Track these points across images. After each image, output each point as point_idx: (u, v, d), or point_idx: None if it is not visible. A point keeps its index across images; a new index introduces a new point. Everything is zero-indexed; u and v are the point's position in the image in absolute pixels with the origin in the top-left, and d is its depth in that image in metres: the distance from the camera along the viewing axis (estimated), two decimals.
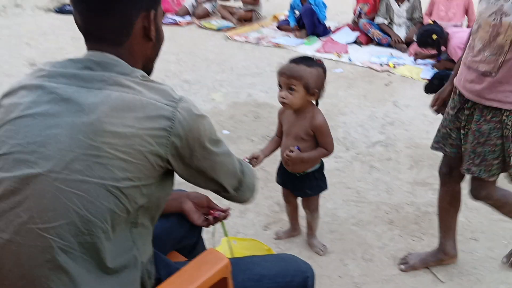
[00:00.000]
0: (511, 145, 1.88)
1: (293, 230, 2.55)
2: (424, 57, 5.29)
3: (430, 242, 2.52)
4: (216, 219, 1.60)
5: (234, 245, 2.04)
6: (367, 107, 4.24)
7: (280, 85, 2.07)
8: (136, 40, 1.14)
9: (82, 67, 1.08)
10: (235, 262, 1.28)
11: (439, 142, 2.11)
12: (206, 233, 1.82)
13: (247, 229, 2.62)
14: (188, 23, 7.22)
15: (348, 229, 2.61)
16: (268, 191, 2.96)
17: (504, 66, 1.78)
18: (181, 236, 1.61)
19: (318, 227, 2.50)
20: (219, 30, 6.82)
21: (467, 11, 5.65)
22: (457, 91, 2.00)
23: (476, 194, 2.03)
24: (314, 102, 2.16)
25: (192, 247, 1.69)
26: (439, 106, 2.21)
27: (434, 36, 4.70)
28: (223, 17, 7.26)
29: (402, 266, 2.30)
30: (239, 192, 1.32)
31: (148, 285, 1.19)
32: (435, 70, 4.94)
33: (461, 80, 1.96)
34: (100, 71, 1.08)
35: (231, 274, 1.21)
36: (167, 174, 1.14)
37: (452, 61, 4.91)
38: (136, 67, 1.14)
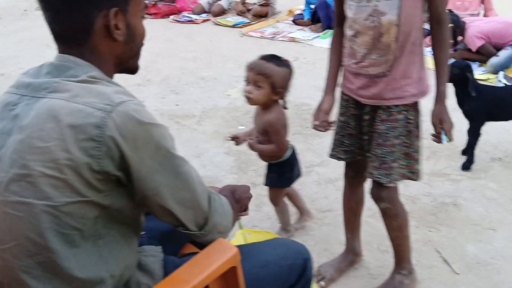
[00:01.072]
0: (415, 141, 1.84)
1: (302, 214, 2.58)
2: None
3: (447, 233, 2.50)
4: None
5: (248, 237, 2.06)
6: None
7: (247, 80, 2.11)
8: (98, 39, 1.09)
9: (46, 73, 1.06)
10: (240, 251, 1.30)
11: (333, 150, 2.05)
12: None
13: (263, 222, 2.63)
14: (204, 21, 7.24)
15: (363, 220, 2.57)
16: None
17: (396, 63, 1.74)
18: None
19: (334, 219, 2.50)
20: (234, 26, 6.83)
21: (483, 0, 5.55)
22: (346, 98, 1.95)
23: (377, 194, 1.91)
24: (280, 101, 2.18)
25: None
26: (324, 122, 1.99)
27: (450, 25, 4.64)
28: (239, 14, 7.26)
29: (322, 283, 2.18)
30: (204, 231, 1.17)
31: None
32: (453, 60, 4.87)
33: (350, 88, 1.90)
34: (55, 76, 1.04)
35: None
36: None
37: (470, 50, 4.85)
38: (106, 67, 1.11)
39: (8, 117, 1.04)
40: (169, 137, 1.07)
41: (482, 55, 4.76)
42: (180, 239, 1.58)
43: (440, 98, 1.81)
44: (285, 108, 2.20)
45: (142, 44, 1.21)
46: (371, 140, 1.89)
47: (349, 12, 1.77)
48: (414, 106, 1.83)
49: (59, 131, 0.96)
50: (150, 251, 1.30)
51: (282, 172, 2.30)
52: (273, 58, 2.10)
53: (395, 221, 1.99)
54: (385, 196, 1.90)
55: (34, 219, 0.99)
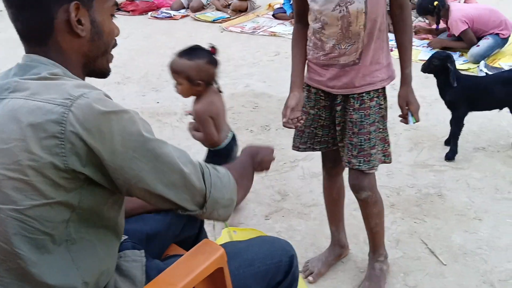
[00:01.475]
0: (386, 124, 1.91)
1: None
2: (424, 31, 5.22)
3: (432, 224, 2.50)
4: None
5: (234, 235, 2.03)
6: None
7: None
8: (61, 36, 1.04)
9: (12, 74, 1.04)
10: (225, 250, 1.27)
11: (306, 143, 2.02)
12: (208, 225, 1.81)
13: (248, 219, 2.61)
14: (183, 17, 7.17)
15: (349, 214, 2.58)
16: (269, 181, 2.95)
17: (365, 51, 1.77)
18: (180, 228, 1.59)
19: (319, 213, 2.49)
20: (214, 22, 6.77)
21: None
22: (315, 91, 1.93)
23: (358, 184, 1.93)
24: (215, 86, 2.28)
25: (195, 238, 1.67)
26: (293, 119, 1.87)
27: (436, 3, 4.65)
28: (218, 9, 7.20)
29: (311, 278, 2.16)
30: (206, 209, 1.10)
31: None
32: (431, 49, 4.92)
33: (319, 80, 1.89)
34: (20, 76, 1.02)
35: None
36: (97, 182, 1.00)
37: (450, 36, 4.88)
38: (72, 66, 1.07)
39: None
40: (140, 121, 1.01)
41: (462, 41, 4.79)
42: (165, 241, 1.55)
43: (406, 80, 1.88)
44: (220, 91, 2.28)
45: (112, 43, 1.16)
46: (344, 129, 1.90)
47: (315, 4, 1.76)
48: (383, 91, 1.87)
49: (19, 131, 0.93)
50: (132, 256, 1.26)
51: (217, 160, 2.30)
52: (187, 53, 2.16)
53: (375, 208, 2.01)
54: (366, 185, 1.92)
55: (0, 225, 0.96)
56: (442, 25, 4.99)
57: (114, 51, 1.19)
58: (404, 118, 1.94)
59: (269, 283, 1.36)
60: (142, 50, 5.61)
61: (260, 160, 1.39)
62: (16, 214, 0.95)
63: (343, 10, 1.70)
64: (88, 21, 1.07)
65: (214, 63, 2.20)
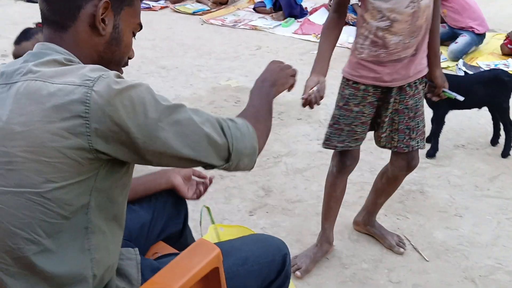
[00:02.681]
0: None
1: None
2: None
3: (415, 220, 2.54)
4: (205, 188, 1.61)
5: (221, 232, 2.02)
6: None
7: None
8: (82, 26, 1.05)
9: (22, 61, 1.03)
10: None
11: (344, 141, 2.03)
12: (193, 221, 1.79)
13: (232, 215, 2.59)
14: (162, 8, 7.08)
15: None
16: (252, 176, 2.94)
17: (421, 42, 1.86)
18: (165, 224, 1.58)
19: (304, 209, 2.49)
20: (194, 14, 6.70)
21: None
22: (363, 88, 1.92)
23: (415, 162, 2.10)
24: None
25: (179, 234, 1.66)
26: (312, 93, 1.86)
27: None
28: (198, 0, 7.13)
29: (298, 273, 2.17)
30: (232, 161, 1.11)
31: None
32: None
33: (374, 77, 1.89)
34: (32, 62, 1.00)
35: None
36: (114, 163, 1.00)
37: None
38: (85, 60, 1.07)
39: None
40: (153, 91, 1.02)
41: None
42: (149, 237, 1.53)
43: (440, 63, 2.03)
44: None
45: (126, 57, 1.17)
46: (393, 119, 1.99)
47: (383, 3, 1.74)
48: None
49: (41, 113, 0.92)
50: (126, 254, 1.24)
51: None
52: (21, 37, 2.19)
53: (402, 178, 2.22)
54: (417, 162, 2.10)
55: (15, 210, 0.95)
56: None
57: None
58: (440, 96, 2.06)
59: (262, 282, 1.36)
60: None
61: (272, 83, 1.35)
62: (37, 198, 0.94)
63: (415, 6, 1.74)
64: (112, 24, 1.09)
65: None
